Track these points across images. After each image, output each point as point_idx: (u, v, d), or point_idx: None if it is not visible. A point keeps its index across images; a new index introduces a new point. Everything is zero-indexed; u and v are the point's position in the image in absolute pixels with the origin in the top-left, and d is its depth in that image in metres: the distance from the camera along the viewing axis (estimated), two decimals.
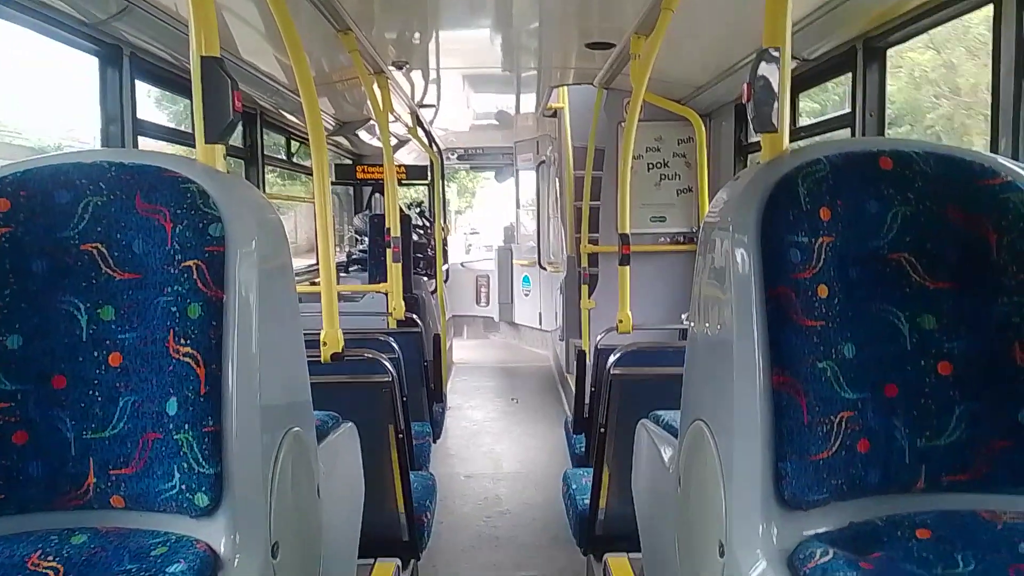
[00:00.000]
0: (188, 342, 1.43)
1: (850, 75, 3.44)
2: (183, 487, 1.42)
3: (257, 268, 1.51)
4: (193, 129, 1.67)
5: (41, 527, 1.45)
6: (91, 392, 1.46)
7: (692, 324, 1.73)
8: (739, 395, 1.43)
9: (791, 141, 1.65)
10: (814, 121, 4.18)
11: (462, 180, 16.12)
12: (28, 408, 1.45)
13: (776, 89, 1.59)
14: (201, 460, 1.41)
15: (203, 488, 1.41)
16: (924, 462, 1.46)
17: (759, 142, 1.67)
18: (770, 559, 1.38)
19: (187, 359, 1.43)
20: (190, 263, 1.45)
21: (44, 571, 1.31)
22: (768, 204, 1.47)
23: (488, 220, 14.83)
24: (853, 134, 3.40)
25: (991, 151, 2.51)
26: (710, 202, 1.88)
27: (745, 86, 1.61)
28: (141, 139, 3.30)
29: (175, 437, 1.42)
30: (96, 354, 1.47)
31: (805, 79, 3.91)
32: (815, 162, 1.49)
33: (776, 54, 1.59)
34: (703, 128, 4.79)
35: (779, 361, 1.41)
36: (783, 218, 1.45)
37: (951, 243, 1.49)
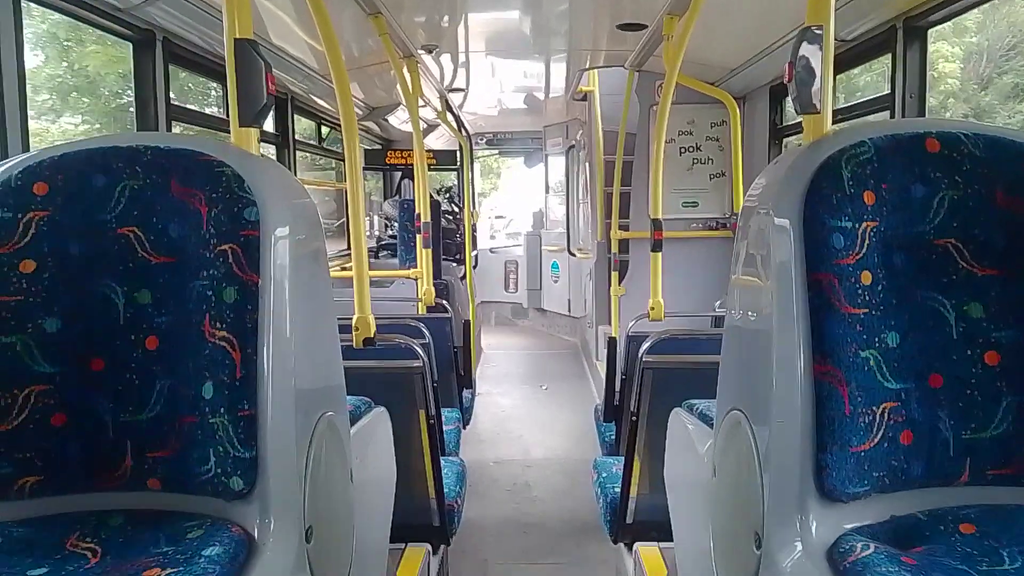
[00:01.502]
0: (224, 326, 1.44)
1: (889, 56, 3.36)
2: (218, 470, 1.42)
3: (291, 252, 1.51)
4: (227, 113, 1.67)
5: (79, 508, 1.47)
6: (128, 375, 1.48)
7: (729, 311, 1.70)
8: (779, 385, 1.40)
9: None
10: (852, 103, 4.09)
11: (486, 159, 15.98)
12: (66, 390, 1.47)
13: (818, 69, 1.54)
14: (236, 444, 1.42)
15: (238, 472, 1.42)
16: (969, 455, 1.42)
17: (794, 125, 1.64)
18: (809, 552, 1.35)
19: (223, 343, 1.43)
20: (225, 247, 1.46)
21: (82, 552, 1.33)
22: (810, 187, 1.43)
23: (514, 204, 14.66)
24: (892, 116, 3.32)
25: None
26: (744, 186, 1.84)
27: (787, 66, 1.57)
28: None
29: (211, 421, 1.43)
30: (133, 337, 1.48)
31: (843, 60, 3.81)
32: (859, 144, 1.45)
33: (819, 32, 1.54)
34: (737, 111, 4.70)
35: (820, 350, 1.38)
36: (826, 202, 1.41)
37: (1000, 228, 1.44)
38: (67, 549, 1.34)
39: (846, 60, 3.82)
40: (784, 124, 5.04)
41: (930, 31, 3.31)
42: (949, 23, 3.63)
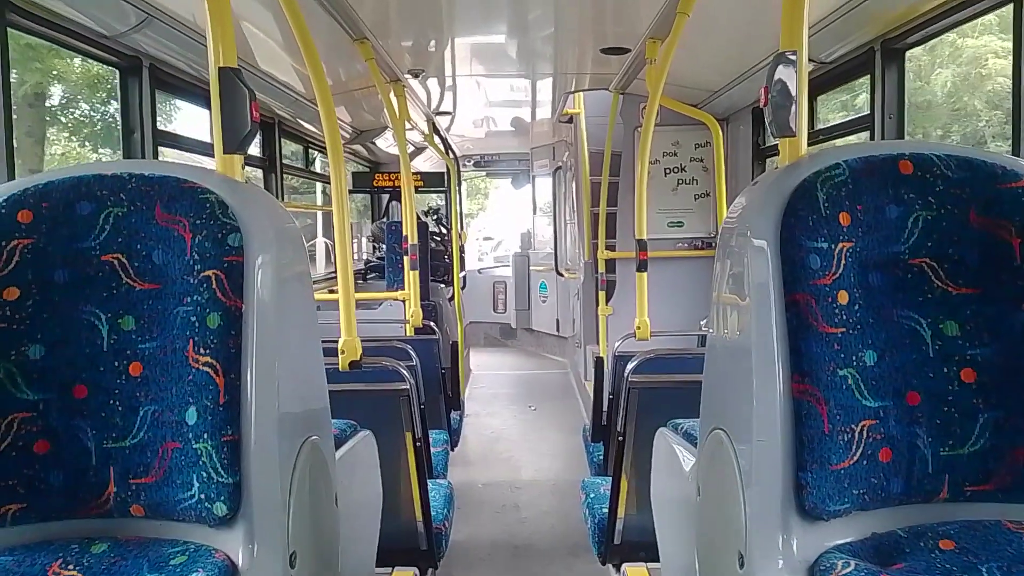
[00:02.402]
0: (207, 351, 1.44)
1: (868, 77, 3.42)
2: (202, 496, 1.42)
3: (276, 277, 1.52)
4: (212, 140, 1.68)
5: (62, 536, 1.46)
6: (112, 401, 1.48)
7: (711, 331, 1.72)
8: (759, 403, 1.42)
9: (809, 145, 1.63)
10: (831, 124, 4.15)
11: (474, 180, 16.03)
12: (50, 417, 1.46)
13: (794, 93, 1.57)
14: (220, 469, 1.42)
15: (222, 497, 1.41)
16: (947, 471, 1.43)
17: (777, 146, 1.66)
18: (790, 570, 1.36)
19: (206, 368, 1.44)
20: (209, 273, 1.46)
21: None
22: (787, 209, 1.45)
23: (503, 225, 14.68)
24: (872, 137, 3.37)
25: (1012, 153, 2.48)
26: (728, 207, 1.86)
27: (762, 90, 1.60)
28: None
29: (194, 446, 1.43)
30: (117, 364, 1.48)
31: (823, 82, 3.88)
32: (834, 166, 1.48)
33: (793, 57, 1.58)
34: (720, 132, 4.77)
35: (799, 369, 1.39)
36: (802, 223, 1.44)
37: (973, 248, 1.47)
38: None
39: (825, 82, 3.88)
40: (767, 145, 5.11)
41: (967, 24, 3.33)
42: (991, 16, 3.61)
